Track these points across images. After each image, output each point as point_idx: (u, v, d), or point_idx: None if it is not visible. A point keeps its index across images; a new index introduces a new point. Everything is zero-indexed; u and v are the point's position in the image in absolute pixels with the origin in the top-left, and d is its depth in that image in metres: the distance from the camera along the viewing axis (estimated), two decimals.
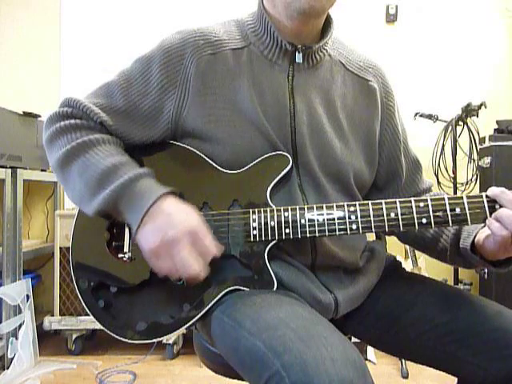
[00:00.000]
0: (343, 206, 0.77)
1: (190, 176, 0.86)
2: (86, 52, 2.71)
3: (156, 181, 0.78)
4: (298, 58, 0.86)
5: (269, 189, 0.82)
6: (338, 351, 0.59)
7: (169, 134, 0.87)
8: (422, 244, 0.98)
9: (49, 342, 2.41)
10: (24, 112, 2.27)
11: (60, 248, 2.25)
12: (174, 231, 0.71)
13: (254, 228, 0.79)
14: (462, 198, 0.74)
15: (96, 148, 0.80)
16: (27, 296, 2.09)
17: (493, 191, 0.74)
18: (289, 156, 0.83)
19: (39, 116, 2.37)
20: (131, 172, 0.76)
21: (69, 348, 2.29)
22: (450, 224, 0.74)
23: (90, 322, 2.20)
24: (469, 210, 0.74)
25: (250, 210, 0.80)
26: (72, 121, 0.84)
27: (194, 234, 0.72)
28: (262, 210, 0.79)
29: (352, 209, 0.77)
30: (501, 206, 0.73)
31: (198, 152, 0.86)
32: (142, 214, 0.73)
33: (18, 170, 2.18)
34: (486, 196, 0.74)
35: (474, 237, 0.82)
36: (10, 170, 2.12)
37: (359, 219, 0.76)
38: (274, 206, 0.80)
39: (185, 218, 0.73)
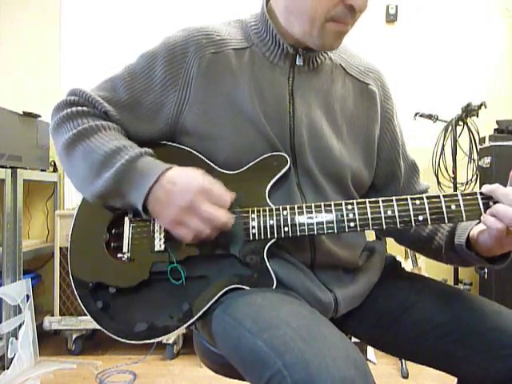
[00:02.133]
0: (341, 204, 0.78)
1: None
2: (85, 52, 2.71)
3: (156, 159, 0.80)
4: (299, 60, 0.87)
5: (267, 188, 0.82)
6: (339, 350, 0.59)
7: (168, 130, 0.88)
8: (417, 244, 0.98)
9: (49, 342, 2.41)
10: (24, 112, 2.27)
11: (60, 248, 2.26)
12: (187, 195, 0.74)
13: (253, 227, 0.79)
14: (456, 195, 0.75)
15: (101, 132, 0.83)
16: (27, 296, 2.09)
17: (487, 187, 0.74)
18: (287, 156, 0.83)
19: (39, 116, 2.37)
20: (133, 151, 0.79)
21: (69, 348, 2.29)
22: (446, 221, 0.75)
23: (89, 322, 2.18)
24: (464, 206, 0.74)
25: (249, 209, 0.80)
26: (79, 108, 0.86)
27: (206, 190, 0.75)
28: (260, 209, 0.79)
29: (350, 207, 0.77)
30: (495, 203, 0.73)
31: (196, 152, 0.86)
32: (147, 189, 0.75)
33: (18, 169, 2.18)
34: (481, 193, 0.74)
35: (469, 233, 0.83)
36: (10, 170, 2.13)
37: (357, 217, 0.76)
38: (272, 205, 0.80)
39: (191, 179, 0.76)
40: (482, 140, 2.37)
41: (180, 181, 0.76)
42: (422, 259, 2.25)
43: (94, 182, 0.79)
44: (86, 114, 0.85)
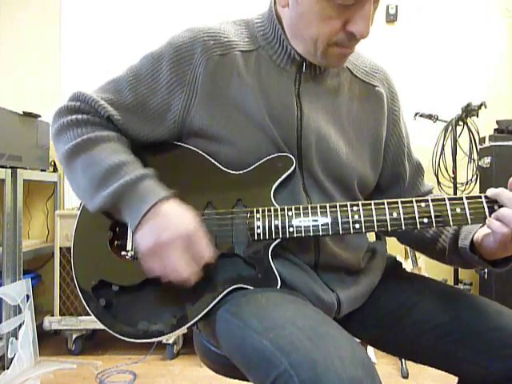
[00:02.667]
0: (346, 205, 0.78)
1: (195, 176, 0.86)
2: (85, 52, 2.71)
3: (158, 183, 0.79)
4: (306, 66, 0.86)
5: (273, 189, 0.82)
6: (346, 350, 0.59)
7: (175, 132, 0.87)
8: (421, 245, 0.98)
9: (49, 342, 2.41)
10: (24, 112, 2.27)
11: (60, 248, 2.25)
12: (167, 234, 0.72)
13: (258, 227, 0.79)
14: (462, 198, 0.75)
15: (101, 145, 0.81)
16: (27, 296, 2.09)
17: (492, 191, 0.74)
18: (292, 157, 0.83)
19: (39, 116, 2.37)
20: (133, 173, 0.77)
21: (69, 348, 2.29)
22: (451, 224, 0.75)
23: (90, 322, 2.20)
24: (469, 210, 0.74)
25: (254, 209, 0.80)
26: (79, 116, 0.84)
27: (188, 238, 0.73)
28: (266, 209, 0.79)
29: (355, 208, 0.77)
30: (499, 207, 0.73)
31: (202, 153, 0.86)
32: (140, 217, 0.73)
33: (18, 169, 2.18)
34: (486, 197, 0.75)
35: (473, 236, 0.83)
36: (10, 170, 2.12)
37: (362, 219, 0.76)
38: (277, 206, 0.80)
39: (181, 221, 0.74)
40: (482, 140, 2.38)
41: (173, 215, 0.74)
42: (421, 259, 2.26)
43: (93, 197, 0.78)
44: (86, 123, 0.84)
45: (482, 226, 0.80)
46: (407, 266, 2.20)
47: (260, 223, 0.79)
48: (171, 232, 0.72)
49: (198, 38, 0.84)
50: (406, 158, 0.99)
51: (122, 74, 0.87)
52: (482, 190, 2.37)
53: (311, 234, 0.77)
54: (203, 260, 0.74)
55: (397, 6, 2.69)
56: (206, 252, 0.74)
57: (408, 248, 2.24)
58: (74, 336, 2.28)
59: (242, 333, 0.70)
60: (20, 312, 2.07)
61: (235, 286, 0.79)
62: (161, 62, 0.85)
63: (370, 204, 0.77)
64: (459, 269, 2.31)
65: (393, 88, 0.98)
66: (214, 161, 0.85)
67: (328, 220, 0.77)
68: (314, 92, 0.88)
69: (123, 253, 0.84)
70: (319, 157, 0.86)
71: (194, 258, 0.73)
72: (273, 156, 0.83)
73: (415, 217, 0.75)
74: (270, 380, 0.60)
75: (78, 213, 0.90)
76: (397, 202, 0.76)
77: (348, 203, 0.78)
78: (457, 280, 2.30)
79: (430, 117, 2.35)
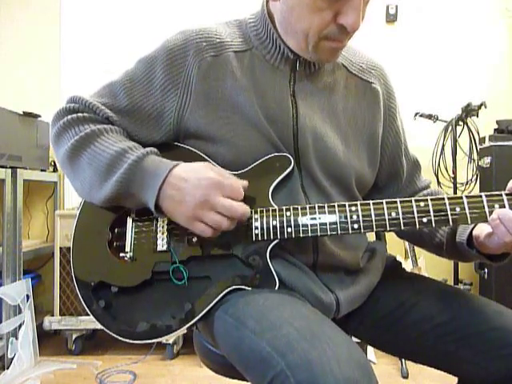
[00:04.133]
0: (345, 205, 0.77)
1: None
2: (85, 52, 2.71)
3: (161, 158, 0.81)
4: (300, 64, 0.86)
5: (271, 189, 0.82)
6: (342, 351, 0.59)
7: (171, 134, 0.88)
8: (419, 239, 0.99)
9: (49, 342, 2.41)
10: (24, 112, 2.27)
11: (60, 248, 2.25)
12: (199, 191, 0.74)
13: (256, 228, 0.79)
14: (461, 197, 0.75)
15: (104, 136, 0.82)
16: (27, 296, 2.09)
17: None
18: (290, 157, 0.83)
19: (39, 116, 2.37)
20: (138, 152, 0.79)
21: (69, 348, 2.29)
22: (451, 223, 0.75)
23: (90, 322, 2.20)
24: (469, 209, 0.74)
25: (252, 210, 0.80)
26: (79, 114, 0.85)
27: (218, 184, 0.75)
28: (263, 209, 0.79)
29: (353, 208, 0.77)
30: (500, 207, 0.73)
31: (200, 153, 0.86)
32: (158, 188, 0.75)
33: (18, 169, 2.18)
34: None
35: (471, 231, 0.83)
36: (10, 170, 2.12)
37: (360, 218, 0.76)
38: (275, 206, 0.80)
39: (202, 174, 0.76)
40: (482, 140, 2.38)
41: (190, 176, 0.76)
42: (422, 259, 2.26)
43: (102, 186, 0.79)
44: (86, 120, 0.85)
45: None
46: (407, 265, 2.20)
47: (258, 224, 0.79)
48: (201, 188, 0.74)
49: (190, 39, 0.85)
50: (403, 155, 0.99)
51: (118, 79, 0.88)
52: (482, 189, 2.37)
53: (310, 234, 0.77)
54: (241, 193, 0.77)
55: (397, 6, 2.68)
56: (237, 186, 0.77)
57: (408, 248, 2.24)
58: (74, 336, 2.28)
59: (239, 333, 0.70)
60: (20, 312, 2.07)
61: (234, 287, 0.79)
62: (154, 65, 0.86)
63: (369, 204, 0.77)
64: (459, 269, 2.31)
65: (389, 85, 0.98)
66: (212, 161, 0.85)
67: (326, 220, 0.77)
68: (309, 90, 0.88)
69: (122, 254, 0.84)
70: (316, 156, 0.86)
71: (232, 195, 0.75)
72: (270, 156, 0.83)
73: (414, 216, 0.75)
74: (267, 380, 0.60)
75: (77, 214, 0.90)
76: (396, 202, 0.76)
77: (346, 203, 0.78)
78: (457, 280, 2.30)
79: (429, 117, 2.35)
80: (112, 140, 0.82)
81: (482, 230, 0.80)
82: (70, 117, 0.85)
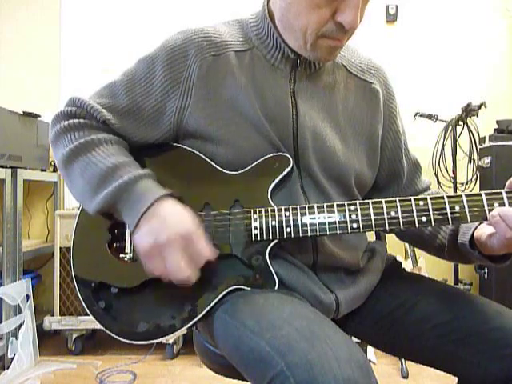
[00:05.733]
0: (344, 205, 0.77)
1: (192, 177, 0.86)
2: (85, 52, 2.71)
3: (156, 183, 0.79)
4: (300, 64, 0.86)
5: (270, 189, 0.82)
6: (342, 351, 0.59)
7: (171, 134, 0.88)
8: (419, 241, 0.98)
9: (49, 342, 2.41)
10: (24, 112, 2.27)
11: (60, 248, 2.25)
12: (166, 234, 0.71)
13: (256, 228, 0.79)
14: (461, 196, 0.75)
15: (98, 148, 0.81)
16: (27, 296, 2.09)
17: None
18: (289, 157, 0.83)
19: (39, 116, 2.37)
20: (131, 173, 0.77)
21: (69, 348, 2.29)
22: (450, 222, 0.74)
23: (90, 322, 2.20)
24: (468, 208, 0.74)
25: (252, 210, 0.80)
26: (76, 120, 0.85)
27: (187, 238, 0.72)
28: (263, 209, 0.79)
29: (353, 208, 0.77)
30: (500, 205, 0.73)
31: (199, 153, 0.86)
32: (139, 217, 0.73)
33: (18, 169, 2.18)
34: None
35: (473, 232, 0.83)
36: (10, 170, 2.13)
37: (360, 218, 0.76)
38: (275, 206, 0.80)
39: (179, 221, 0.73)
40: (482, 140, 2.38)
41: (171, 215, 0.73)
42: (422, 259, 2.26)
43: (92, 198, 0.78)
44: (83, 127, 0.84)
45: (481, 222, 0.80)
46: (407, 265, 2.20)
47: (257, 224, 0.79)
48: (170, 232, 0.71)
49: (191, 39, 0.85)
50: (403, 156, 0.99)
51: (118, 78, 0.88)
52: (482, 189, 2.35)
53: (309, 234, 0.77)
54: (203, 259, 0.74)
55: (397, 6, 2.69)
56: (205, 251, 0.74)
57: (408, 248, 2.24)
58: (74, 336, 2.28)
59: (239, 333, 0.70)
60: (20, 312, 2.07)
61: (233, 287, 0.79)
62: (155, 64, 0.85)
63: (368, 203, 0.77)
64: (459, 269, 2.31)
65: (389, 85, 0.98)
66: (211, 161, 0.85)
67: (326, 220, 0.77)
68: (309, 90, 0.88)
69: (122, 255, 0.84)
70: (316, 155, 0.86)
71: (193, 257, 0.73)
72: (270, 156, 0.83)
73: (414, 215, 0.75)
74: (267, 380, 0.60)
75: (77, 215, 0.90)
76: (395, 201, 0.76)
77: (345, 203, 0.78)
78: (457, 280, 2.30)
79: (430, 117, 2.35)
80: (106, 153, 0.80)
81: (483, 231, 0.80)
82: (66, 123, 0.84)
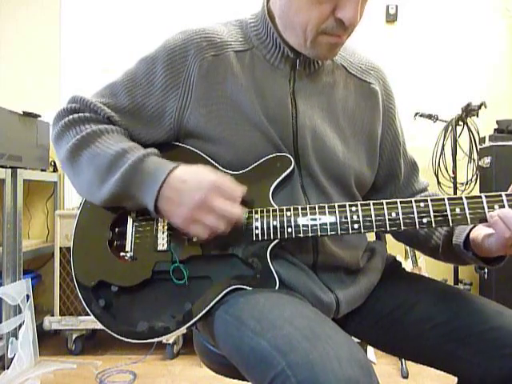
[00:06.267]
0: (345, 206, 0.77)
1: None
2: (85, 52, 2.71)
3: (161, 158, 0.81)
4: (300, 64, 0.87)
5: (271, 189, 0.82)
6: (343, 350, 0.59)
7: (172, 134, 0.88)
8: (414, 241, 0.99)
9: (49, 342, 2.41)
10: (24, 112, 2.27)
11: (60, 248, 2.25)
12: (198, 193, 0.74)
13: (257, 228, 0.79)
14: (461, 198, 0.75)
15: (104, 136, 0.83)
16: (27, 296, 2.09)
17: None
18: (291, 157, 0.83)
19: (39, 116, 2.37)
20: (138, 153, 0.79)
21: (69, 348, 2.29)
22: (450, 224, 0.75)
23: (90, 322, 2.20)
24: (469, 210, 0.74)
25: (253, 210, 0.80)
26: (80, 114, 0.86)
27: (217, 186, 0.75)
28: (264, 209, 0.79)
29: (354, 209, 0.77)
30: (500, 207, 0.73)
31: (200, 153, 0.86)
32: (157, 189, 0.75)
33: (18, 169, 2.18)
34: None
35: (468, 234, 0.83)
36: (10, 170, 2.13)
37: (361, 219, 0.76)
38: (276, 206, 0.80)
39: (202, 177, 0.76)
40: (482, 140, 2.38)
41: (190, 178, 0.76)
42: (422, 259, 2.26)
43: (102, 186, 0.79)
44: (88, 120, 0.85)
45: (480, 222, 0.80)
46: (407, 265, 2.20)
47: (258, 224, 0.79)
48: (200, 190, 0.74)
49: (191, 39, 0.85)
50: (401, 156, 0.99)
51: (119, 79, 0.89)
52: (482, 189, 2.37)
53: (310, 234, 0.77)
54: (239, 197, 0.77)
55: (397, 6, 2.69)
56: (236, 189, 0.77)
57: (408, 248, 2.24)
58: (74, 336, 2.28)
59: (239, 333, 0.70)
60: (20, 312, 2.07)
61: (234, 287, 0.79)
62: (155, 64, 0.86)
63: (369, 204, 0.77)
64: (459, 269, 2.31)
65: (388, 86, 0.98)
66: (212, 161, 0.85)
67: (327, 220, 0.77)
68: (309, 90, 0.88)
69: (122, 253, 0.84)
70: (316, 155, 0.86)
71: (230, 198, 0.75)
72: (271, 156, 0.83)
73: (414, 217, 0.75)
74: (268, 380, 0.60)
75: (78, 213, 0.90)
76: (396, 202, 0.76)
77: (347, 203, 0.78)
78: (457, 280, 2.30)
79: (429, 117, 2.35)
80: (112, 140, 0.82)
81: (479, 232, 0.80)
82: (71, 117, 0.85)
